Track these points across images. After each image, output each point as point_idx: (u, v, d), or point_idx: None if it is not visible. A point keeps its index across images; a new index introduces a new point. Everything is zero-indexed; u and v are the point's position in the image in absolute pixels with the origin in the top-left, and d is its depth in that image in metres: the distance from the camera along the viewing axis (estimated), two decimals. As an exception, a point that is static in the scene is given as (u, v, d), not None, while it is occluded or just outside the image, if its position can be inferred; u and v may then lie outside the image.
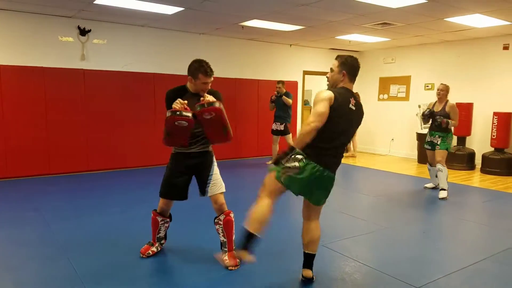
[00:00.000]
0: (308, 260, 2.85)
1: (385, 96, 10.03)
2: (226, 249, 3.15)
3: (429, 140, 5.71)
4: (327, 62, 10.00)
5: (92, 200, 5.18)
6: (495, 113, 7.44)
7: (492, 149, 7.56)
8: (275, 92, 7.61)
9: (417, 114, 8.90)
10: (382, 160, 9.13)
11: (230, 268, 3.05)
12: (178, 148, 3.11)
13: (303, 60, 9.66)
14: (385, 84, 10.01)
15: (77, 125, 6.78)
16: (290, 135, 7.71)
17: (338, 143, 2.58)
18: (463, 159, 7.79)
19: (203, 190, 3.13)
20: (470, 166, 7.84)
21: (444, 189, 5.50)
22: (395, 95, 9.81)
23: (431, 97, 8.83)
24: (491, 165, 7.36)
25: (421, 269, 3.21)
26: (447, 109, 5.46)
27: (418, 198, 5.79)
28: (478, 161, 7.90)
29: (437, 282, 2.96)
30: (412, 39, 8.45)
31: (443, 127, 5.45)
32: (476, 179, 7.04)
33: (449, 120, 5.39)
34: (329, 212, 4.90)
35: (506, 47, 7.60)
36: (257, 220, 2.49)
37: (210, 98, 2.89)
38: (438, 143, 5.56)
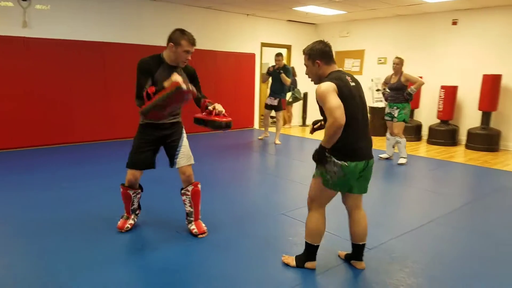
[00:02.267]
0: (360, 252, 2.74)
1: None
2: (192, 219, 3.18)
3: (388, 111, 6.00)
4: (285, 34, 10.01)
5: (39, 175, 4.96)
6: (442, 87, 7.83)
7: (438, 121, 7.99)
8: (271, 67, 7.40)
9: (369, 88, 9.18)
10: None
11: (200, 236, 3.13)
12: (148, 119, 2.98)
13: (261, 31, 9.57)
14: (340, 58, 10.17)
15: (17, 99, 6.33)
16: (282, 112, 7.67)
17: (363, 126, 2.50)
18: (411, 131, 8.19)
19: (171, 161, 3.10)
20: (418, 137, 8.27)
21: (404, 157, 5.91)
22: (350, 69, 10.01)
23: (384, 71, 9.10)
24: (436, 136, 7.80)
25: (373, 233, 3.37)
26: (402, 79, 5.72)
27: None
28: (425, 132, 8.35)
29: (388, 244, 3.16)
30: (366, 13, 8.60)
31: (402, 99, 5.76)
32: (423, 149, 7.45)
33: (409, 90, 5.67)
34: (288, 183, 5.05)
35: (455, 23, 7.94)
36: (317, 234, 2.63)
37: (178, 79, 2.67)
38: (396, 115, 5.84)
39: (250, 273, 2.65)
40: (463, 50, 7.86)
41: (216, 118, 2.96)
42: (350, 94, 2.40)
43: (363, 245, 2.72)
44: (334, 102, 2.29)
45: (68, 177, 4.85)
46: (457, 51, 7.92)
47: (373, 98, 9.05)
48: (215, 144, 7.38)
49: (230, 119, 2.98)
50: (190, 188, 3.11)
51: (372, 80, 9.12)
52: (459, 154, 6.96)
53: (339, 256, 2.91)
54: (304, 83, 10.00)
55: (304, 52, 2.55)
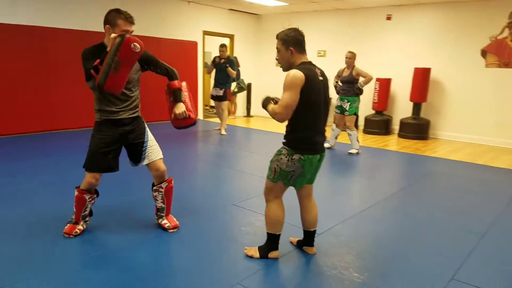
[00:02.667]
0: (311, 238, 2.86)
1: (282, 60, 10.39)
2: (163, 214, 3.13)
3: (339, 104, 6.22)
4: (227, 24, 9.96)
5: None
6: (377, 79, 8.30)
7: (374, 112, 8.47)
8: (216, 57, 7.36)
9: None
10: (279, 124, 9.52)
11: (171, 230, 3.09)
12: (105, 115, 2.79)
13: (203, 19, 9.44)
14: (282, 48, 10.33)
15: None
16: (227, 102, 7.61)
17: (323, 121, 2.58)
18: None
19: (137, 158, 2.94)
20: (355, 127, 8.71)
21: (356, 148, 6.19)
22: (291, 60, 10.21)
23: (323, 64, 9.37)
24: (372, 126, 8.28)
25: (320, 219, 3.55)
26: (353, 73, 5.96)
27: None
28: (361, 122, 8.82)
29: (334, 229, 3.34)
30: (307, 6, 8.82)
31: (352, 92, 6.01)
32: (360, 138, 7.84)
33: (358, 84, 5.93)
34: (236, 173, 5.10)
35: (389, 18, 8.42)
36: (277, 223, 2.65)
37: None
38: (347, 108, 6.08)
39: (207, 266, 2.67)
40: (396, 44, 8.37)
41: (180, 125, 2.97)
42: (316, 88, 2.44)
43: (314, 231, 2.84)
44: (291, 99, 2.36)
45: (7, 172, 4.53)
46: (391, 45, 8.42)
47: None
48: (157, 134, 7.21)
49: (192, 118, 2.95)
50: (164, 185, 3.01)
51: (313, 72, 9.39)
52: (393, 143, 7.46)
53: (290, 242, 3.02)
54: (248, 74, 10.07)
55: (278, 37, 2.52)
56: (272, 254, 2.73)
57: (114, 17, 2.63)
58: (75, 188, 2.91)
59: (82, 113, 6.80)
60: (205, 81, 9.85)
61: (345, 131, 6.32)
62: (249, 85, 10.17)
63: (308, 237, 2.86)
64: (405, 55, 8.25)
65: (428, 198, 4.31)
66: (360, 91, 6.01)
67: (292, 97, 2.36)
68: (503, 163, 5.95)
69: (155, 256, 2.81)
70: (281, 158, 2.52)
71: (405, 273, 2.65)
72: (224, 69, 7.27)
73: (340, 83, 6.18)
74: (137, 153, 2.93)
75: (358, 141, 6.26)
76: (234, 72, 7.36)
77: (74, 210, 2.95)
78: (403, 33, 8.27)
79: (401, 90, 8.34)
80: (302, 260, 2.81)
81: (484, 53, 7.39)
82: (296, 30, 2.52)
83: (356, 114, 6.15)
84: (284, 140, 2.57)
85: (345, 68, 6.14)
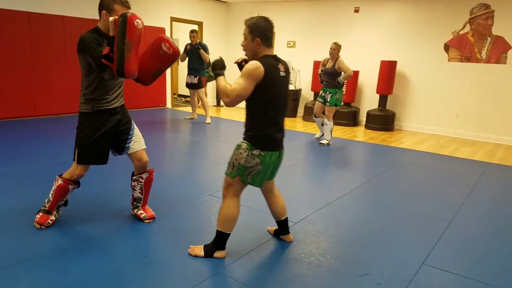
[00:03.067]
0: (286, 225, 2.86)
1: (251, 50, 10.33)
2: (140, 205, 3.05)
3: (322, 94, 6.28)
4: (196, 11, 9.76)
5: None
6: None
7: (342, 103, 8.60)
8: (188, 44, 7.25)
9: (280, 69, 9.47)
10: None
11: (147, 220, 3.03)
12: (99, 104, 2.65)
13: (171, 6, 9.20)
14: (251, 38, 10.28)
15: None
16: (203, 89, 7.45)
17: (282, 117, 2.52)
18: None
19: (122, 147, 2.84)
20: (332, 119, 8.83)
21: (327, 139, 6.28)
22: (260, 50, 10.18)
23: (293, 55, 9.54)
24: (341, 117, 8.42)
25: (296, 207, 3.60)
26: (336, 66, 5.99)
27: (285, 147, 6.35)
28: (330, 113, 8.96)
29: (310, 217, 3.39)
30: (277, -4, 8.80)
31: (334, 84, 6.04)
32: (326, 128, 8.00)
33: (339, 78, 5.97)
34: (209, 163, 5.05)
35: (356, 10, 8.54)
36: (231, 221, 2.53)
37: None
38: (328, 99, 6.15)
39: (186, 256, 2.63)
40: (363, 37, 8.52)
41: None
42: (276, 84, 2.39)
43: (286, 219, 2.85)
44: (244, 89, 2.31)
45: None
46: (359, 37, 8.56)
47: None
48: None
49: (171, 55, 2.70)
50: (144, 176, 2.93)
51: (282, 62, 9.42)
52: (360, 134, 7.63)
53: (268, 231, 3.03)
54: (217, 63, 9.94)
55: (246, 24, 2.42)
56: (218, 254, 2.58)
57: (111, 2, 2.55)
58: (59, 177, 2.78)
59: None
60: (173, 69, 9.64)
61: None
62: (218, 74, 10.05)
63: (282, 226, 2.87)
64: (372, 48, 8.42)
65: (397, 187, 4.45)
66: (339, 85, 6.11)
67: (246, 88, 2.31)
68: (464, 153, 6.24)
69: (132, 246, 2.74)
70: (240, 153, 2.44)
71: (379, 259, 2.73)
72: (197, 54, 7.17)
73: (324, 74, 6.22)
74: (122, 142, 2.84)
75: (331, 133, 6.35)
76: (208, 56, 7.23)
77: (50, 199, 2.81)
78: (370, 26, 8.43)
79: (368, 83, 8.52)
80: (281, 248, 2.83)
81: (447, 47, 7.67)
82: (266, 21, 2.41)
83: (337, 105, 6.23)
84: (244, 135, 2.50)
85: (329, 58, 6.16)
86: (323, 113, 6.35)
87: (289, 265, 2.60)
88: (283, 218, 2.84)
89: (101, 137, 2.70)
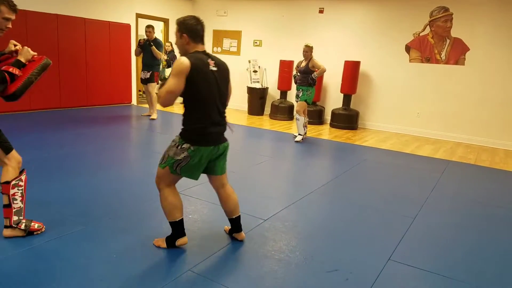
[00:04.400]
0: (238, 224, 2.82)
1: (219, 49, 10.29)
2: (22, 217, 2.67)
3: (296, 94, 6.43)
4: (162, 7, 9.58)
5: None
6: (315, 70, 8.51)
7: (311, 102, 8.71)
8: (142, 39, 7.18)
9: (247, 69, 9.48)
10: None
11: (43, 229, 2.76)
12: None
13: (136, 2, 8.98)
14: (218, 37, 10.23)
15: None
16: (155, 84, 7.32)
17: (215, 112, 2.50)
18: (284, 111, 8.79)
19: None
20: (290, 117, 8.90)
21: (300, 134, 6.42)
22: (228, 49, 10.15)
23: (260, 53, 9.56)
24: (308, 116, 8.47)
25: (266, 204, 3.61)
26: (309, 65, 6.18)
27: (253, 144, 6.36)
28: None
29: (279, 214, 3.39)
30: (244, -6, 8.77)
31: (306, 82, 6.22)
32: (295, 128, 8.06)
33: (312, 75, 6.16)
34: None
35: (321, 11, 8.67)
36: (174, 209, 2.54)
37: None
38: (300, 95, 6.30)
39: (157, 254, 2.57)
40: (328, 37, 8.66)
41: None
42: (205, 77, 2.40)
43: (238, 217, 2.82)
44: (174, 86, 2.31)
45: None
46: (323, 37, 8.69)
47: (251, 79, 9.38)
48: (86, 120, 6.78)
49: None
50: (23, 176, 2.66)
51: (249, 62, 9.43)
52: (326, 132, 7.75)
53: (224, 231, 2.98)
54: (182, 60, 9.80)
55: (176, 22, 2.49)
56: (179, 241, 2.62)
57: None
58: (13, 180, 2.56)
59: None
60: (138, 65, 9.41)
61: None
62: (184, 72, 9.92)
63: (235, 224, 2.84)
64: (336, 48, 8.57)
65: (362, 184, 4.54)
66: (313, 82, 6.28)
67: (176, 84, 2.31)
68: (426, 151, 6.47)
69: (99, 245, 2.62)
70: (172, 145, 2.49)
71: (347, 255, 2.77)
72: (151, 51, 7.13)
73: (298, 74, 6.41)
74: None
75: (304, 128, 6.47)
76: (160, 53, 7.27)
77: (22, 205, 2.61)
78: (334, 27, 8.58)
79: (333, 82, 8.67)
80: (251, 245, 2.81)
81: (408, 48, 7.93)
82: (195, 19, 2.49)
83: (307, 102, 6.36)
84: (180, 130, 2.53)
85: (303, 60, 6.39)
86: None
87: (260, 262, 2.59)
88: (234, 216, 2.80)
89: None
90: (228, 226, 2.95)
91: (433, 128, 7.83)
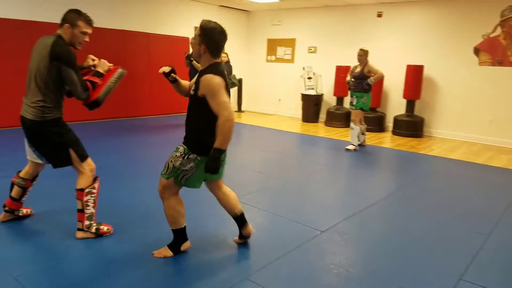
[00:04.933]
0: (243, 220, 2.74)
1: (273, 57, 10.28)
2: (93, 222, 2.79)
3: (350, 100, 6.20)
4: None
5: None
6: (371, 75, 8.20)
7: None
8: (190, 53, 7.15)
9: (301, 76, 9.36)
10: (271, 119, 9.46)
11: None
12: (60, 112, 2.69)
13: (193, 15, 9.25)
14: (273, 45, 10.23)
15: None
16: None
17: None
18: (341, 118, 8.52)
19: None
20: (347, 124, 8.60)
21: (353, 144, 6.12)
22: (282, 57, 10.12)
23: (315, 60, 9.41)
24: (367, 123, 8.16)
25: (324, 215, 3.44)
26: (365, 70, 5.93)
27: (308, 152, 6.19)
28: (354, 119, 8.73)
29: (338, 226, 3.21)
30: (298, 2, 8.70)
31: (361, 88, 5.96)
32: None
33: (368, 80, 5.90)
34: (232, 169, 4.92)
35: (380, 15, 8.35)
36: (178, 217, 2.53)
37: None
38: (354, 103, 6.05)
39: (217, 261, 2.52)
40: (387, 41, 8.30)
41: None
42: (227, 93, 2.38)
43: (242, 214, 2.72)
44: (226, 98, 2.30)
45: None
46: (382, 42, 8.35)
47: (305, 86, 9.24)
48: (147, 128, 7.01)
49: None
50: (96, 184, 2.79)
51: (303, 69, 9.31)
52: (387, 140, 7.38)
53: (235, 241, 2.83)
54: (239, 70, 9.92)
55: (201, 26, 2.36)
56: (184, 246, 2.62)
57: (75, 17, 2.61)
58: (83, 191, 2.67)
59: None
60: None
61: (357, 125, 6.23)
62: (240, 81, 10.01)
63: (240, 221, 2.74)
64: (397, 52, 8.19)
65: (429, 197, 4.21)
66: (369, 87, 6.00)
67: (226, 96, 2.32)
68: (501, 162, 5.90)
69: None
70: (176, 155, 2.41)
71: (413, 273, 2.54)
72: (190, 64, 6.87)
73: (352, 79, 6.14)
74: None
75: (359, 138, 6.18)
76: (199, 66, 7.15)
77: (93, 210, 2.74)
78: (394, 30, 8.21)
79: (394, 87, 8.28)
80: (308, 257, 2.68)
81: (477, 51, 7.37)
82: (222, 33, 2.38)
83: (363, 109, 6.09)
84: (184, 140, 2.48)
85: (358, 65, 6.11)
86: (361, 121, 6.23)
87: (317, 275, 2.45)
88: (239, 214, 2.71)
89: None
90: (236, 238, 2.82)
91: (508, 136, 7.16)
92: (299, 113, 9.58)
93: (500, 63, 7.16)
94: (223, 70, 2.39)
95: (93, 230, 2.74)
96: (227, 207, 2.70)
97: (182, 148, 2.43)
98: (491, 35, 7.20)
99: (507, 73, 7.09)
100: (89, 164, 2.74)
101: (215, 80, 2.28)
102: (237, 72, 9.61)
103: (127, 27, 7.93)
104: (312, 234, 3.01)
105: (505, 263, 2.75)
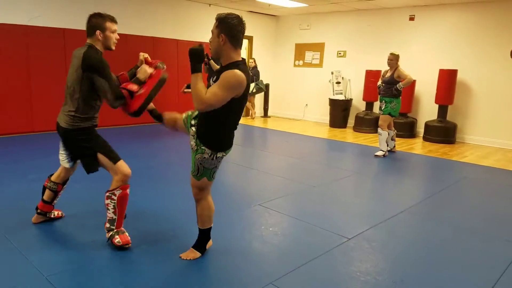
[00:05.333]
0: (208, 233, 2.66)
1: (301, 62, 10.24)
2: (114, 227, 2.70)
3: (379, 105, 6.14)
4: (246, 25, 9.77)
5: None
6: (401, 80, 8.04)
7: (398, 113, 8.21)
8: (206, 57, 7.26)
9: (330, 81, 9.28)
10: (297, 124, 9.42)
11: (126, 246, 2.69)
12: (91, 122, 2.74)
13: (222, 21, 9.35)
14: (300, 50, 10.20)
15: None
16: None
17: (237, 121, 2.48)
18: (370, 123, 8.37)
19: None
20: (376, 129, 8.43)
21: (382, 150, 6.00)
22: (310, 62, 10.06)
23: (343, 64, 9.31)
24: (396, 128, 7.98)
25: (351, 222, 3.39)
26: (395, 75, 5.83)
27: (335, 158, 6.12)
28: (383, 125, 8.56)
29: (365, 233, 3.14)
30: (327, 7, 8.64)
31: (390, 93, 5.86)
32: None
33: (397, 85, 5.78)
34: (258, 174, 4.94)
35: (412, 18, 8.18)
36: (208, 217, 2.57)
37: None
38: (382, 108, 5.96)
39: (233, 268, 2.52)
40: (419, 45, 8.11)
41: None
42: (247, 92, 2.33)
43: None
44: (222, 99, 2.17)
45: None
46: (414, 46, 8.17)
47: (333, 91, 9.15)
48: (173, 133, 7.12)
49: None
50: (118, 192, 2.65)
51: (332, 73, 9.23)
52: (418, 146, 7.19)
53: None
54: (266, 75, 9.94)
55: (217, 17, 2.25)
56: (208, 245, 2.67)
57: (101, 21, 2.64)
58: (110, 192, 2.66)
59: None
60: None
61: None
62: (267, 86, 10.02)
63: (207, 233, 2.68)
64: (429, 56, 7.98)
65: (461, 205, 4.07)
66: (398, 93, 5.88)
67: (224, 98, 2.17)
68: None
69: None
70: (204, 157, 2.37)
71: (441, 282, 2.46)
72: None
73: (382, 84, 6.04)
74: None
75: (388, 143, 6.06)
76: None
77: (114, 217, 2.67)
78: (427, 34, 8.01)
79: (426, 92, 8.06)
80: (334, 264, 2.64)
81: (516, 53, 7.08)
82: (238, 18, 2.24)
83: (391, 115, 5.98)
84: (202, 138, 2.37)
85: (388, 69, 6.02)
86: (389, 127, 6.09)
87: (344, 283, 2.40)
88: (211, 226, 2.64)
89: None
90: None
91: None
92: (326, 118, 9.49)
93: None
94: (247, 69, 2.29)
95: (108, 236, 2.69)
96: (212, 213, 2.61)
97: (207, 150, 2.35)
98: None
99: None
100: (121, 169, 2.67)
101: (232, 76, 2.16)
102: (264, 78, 9.63)
103: (156, 34, 8.10)
104: (338, 241, 2.97)
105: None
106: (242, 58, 2.35)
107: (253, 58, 9.22)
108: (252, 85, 8.12)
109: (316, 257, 2.69)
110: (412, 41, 8.21)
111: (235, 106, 2.30)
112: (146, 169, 4.72)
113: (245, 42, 10.28)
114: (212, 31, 2.27)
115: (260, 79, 8.95)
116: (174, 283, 2.33)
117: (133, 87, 2.67)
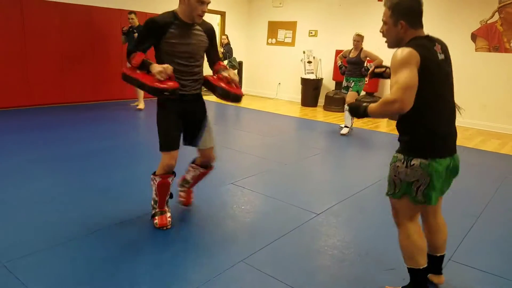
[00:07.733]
0: (439, 264, 2.26)
1: (273, 40, 10.28)
2: (187, 186, 3.10)
3: (345, 85, 6.25)
4: (217, 2, 9.68)
5: None
6: (368, 61, 8.25)
7: (364, 93, 8.47)
8: (125, 27, 6.90)
9: (301, 60, 9.40)
10: (270, 103, 9.55)
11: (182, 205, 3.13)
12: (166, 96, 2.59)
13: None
14: (273, 28, 10.21)
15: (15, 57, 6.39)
16: None
17: (449, 112, 1.93)
18: (339, 102, 8.60)
19: (194, 139, 2.80)
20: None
21: (347, 127, 6.24)
22: (283, 40, 10.12)
23: (315, 44, 9.42)
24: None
25: (320, 198, 3.59)
26: (361, 55, 5.99)
27: (306, 136, 6.32)
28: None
29: (333, 208, 3.36)
30: (300, -16, 8.66)
31: (359, 73, 6.04)
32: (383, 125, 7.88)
33: (367, 66, 5.96)
34: (231, 152, 5.05)
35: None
36: (417, 251, 2.01)
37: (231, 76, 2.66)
38: (351, 86, 6.13)
39: (206, 247, 2.66)
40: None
41: (223, 85, 2.62)
42: (438, 69, 1.84)
43: (442, 256, 2.25)
44: (409, 79, 1.69)
45: None
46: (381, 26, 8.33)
47: (305, 70, 9.30)
48: (109, 115, 7.09)
49: (240, 92, 2.68)
50: (202, 170, 2.99)
51: (304, 52, 9.34)
52: (383, 125, 7.48)
53: None
54: (239, 52, 9.92)
55: (387, 5, 1.91)
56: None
57: None
58: (153, 176, 2.72)
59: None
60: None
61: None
62: (240, 63, 10.03)
63: (436, 263, 2.24)
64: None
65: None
66: (366, 73, 6.06)
67: (411, 75, 1.69)
68: (491, 146, 6.06)
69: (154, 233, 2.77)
70: (397, 166, 1.94)
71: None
72: (133, 38, 6.59)
73: (344, 65, 6.20)
74: (193, 133, 2.80)
75: (352, 120, 6.30)
76: None
77: (156, 199, 2.78)
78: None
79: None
80: (303, 240, 2.81)
81: (474, 37, 7.42)
82: None
83: (358, 93, 6.17)
84: (402, 144, 1.98)
85: (352, 49, 6.16)
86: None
87: (312, 257, 2.58)
88: (438, 255, 2.23)
89: (173, 122, 2.64)
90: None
91: (500, 121, 7.30)
92: (298, 97, 9.66)
93: (496, 49, 7.23)
94: (425, 44, 1.86)
95: (152, 212, 2.83)
96: (433, 240, 2.18)
97: (400, 155, 1.96)
98: (489, 21, 7.24)
99: (502, 59, 7.18)
100: (165, 157, 2.64)
101: (397, 56, 1.76)
102: (237, 55, 9.62)
103: (98, 3, 7.50)
104: (307, 217, 3.15)
105: (493, 245, 2.88)
106: (426, 35, 1.96)
107: (226, 35, 9.16)
108: (225, 62, 8.11)
109: (286, 233, 2.85)
110: (379, 21, 8.32)
111: (430, 91, 1.83)
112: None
113: (217, 17, 10.18)
114: (384, 21, 1.95)
115: (233, 56, 8.94)
116: (147, 261, 2.44)
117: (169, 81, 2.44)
